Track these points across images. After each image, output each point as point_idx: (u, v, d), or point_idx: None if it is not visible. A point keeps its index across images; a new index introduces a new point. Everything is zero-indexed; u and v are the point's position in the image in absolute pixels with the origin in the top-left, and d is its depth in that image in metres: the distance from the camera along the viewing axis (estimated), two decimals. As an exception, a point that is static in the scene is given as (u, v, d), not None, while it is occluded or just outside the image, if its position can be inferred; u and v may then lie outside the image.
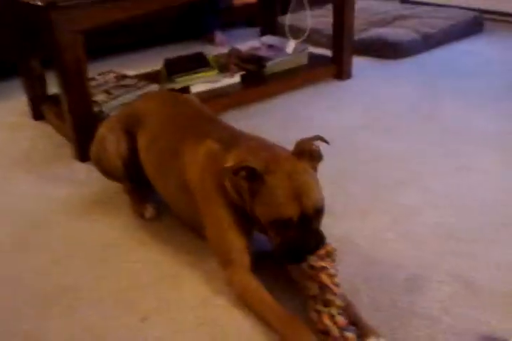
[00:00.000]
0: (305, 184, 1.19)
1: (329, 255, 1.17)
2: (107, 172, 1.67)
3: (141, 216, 1.63)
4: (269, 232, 1.24)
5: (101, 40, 2.95)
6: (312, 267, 1.15)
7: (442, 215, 1.56)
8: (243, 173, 1.19)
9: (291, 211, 1.16)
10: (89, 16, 1.88)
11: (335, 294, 1.11)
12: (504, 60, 2.89)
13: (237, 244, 1.29)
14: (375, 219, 1.56)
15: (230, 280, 1.29)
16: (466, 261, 1.36)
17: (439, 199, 1.64)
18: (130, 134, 1.61)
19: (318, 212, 1.20)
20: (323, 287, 1.11)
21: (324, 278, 1.12)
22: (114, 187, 1.77)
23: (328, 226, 1.49)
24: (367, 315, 1.16)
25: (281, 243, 1.20)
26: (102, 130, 1.65)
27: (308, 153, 1.24)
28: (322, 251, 1.17)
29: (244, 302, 1.24)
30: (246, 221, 1.29)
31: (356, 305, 1.18)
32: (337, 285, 1.13)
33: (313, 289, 1.13)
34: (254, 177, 1.19)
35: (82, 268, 1.44)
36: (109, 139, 1.61)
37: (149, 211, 1.62)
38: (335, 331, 1.06)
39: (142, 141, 1.58)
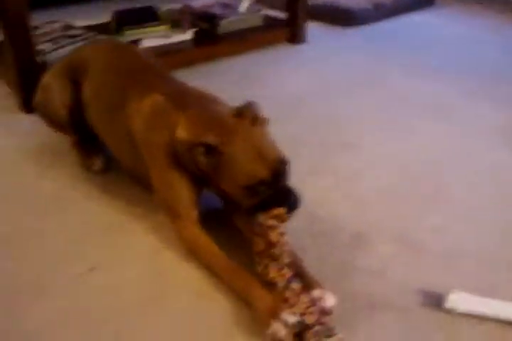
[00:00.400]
0: (265, 144, 1.20)
1: (279, 216, 1.18)
2: (52, 123, 1.62)
3: (88, 169, 1.60)
4: (240, 200, 1.23)
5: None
6: (261, 225, 1.16)
7: (386, 177, 1.61)
8: (201, 149, 1.18)
9: (260, 173, 1.16)
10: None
11: (283, 251, 1.13)
12: (454, 33, 2.96)
13: (184, 198, 1.28)
14: (321, 180, 1.60)
15: (179, 233, 1.29)
16: (407, 222, 1.41)
17: (383, 162, 1.69)
18: (75, 83, 1.55)
19: (285, 166, 1.21)
20: (271, 243, 1.13)
21: (273, 235, 1.14)
22: (61, 139, 1.72)
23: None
24: (312, 270, 1.19)
25: (258, 203, 1.20)
26: (47, 78, 1.59)
27: (254, 117, 1.23)
28: (273, 212, 1.17)
29: (193, 255, 1.26)
30: (195, 180, 1.28)
31: (302, 259, 1.22)
32: (285, 243, 1.15)
33: (261, 245, 1.15)
34: (211, 151, 1.18)
35: (26, 220, 1.40)
36: (54, 87, 1.55)
37: (97, 163, 1.59)
38: (281, 282, 1.09)
39: (86, 91, 1.52)
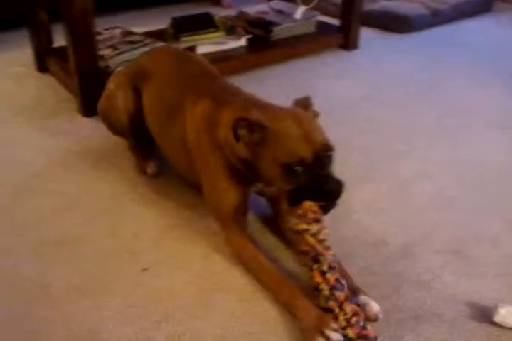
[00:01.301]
0: (313, 127, 1.19)
1: (311, 210, 1.14)
2: (113, 128, 1.69)
3: (143, 172, 1.65)
4: (278, 183, 1.19)
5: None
6: (293, 230, 1.16)
7: (439, 186, 1.60)
8: (243, 125, 1.18)
9: (302, 151, 1.13)
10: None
11: (321, 254, 1.11)
12: (510, 39, 2.89)
13: (232, 204, 1.30)
14: (372, 188, 1.60)
15: (227, 242, 1.32)
16: (459, 232, 1.40)
17: (436, 171, 1.68)
18: (136, 90, 1.61)
19: (330, 152, 1.17)
20: (310, 246, 1.13)
21: (309, 239, 1.13)
22: (117, 143, 1.79)
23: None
24: (361, 279, 1.20)
25: (295, 188, 1.15)
26: (111, 85, 1.66)
27: (305, 107, 1.26)
28: (299, 211, 1.15)
29: (241, 263, 1.28)
30: (242, 182, 1.30)
31: (350, 268, 1.23)
32: (321, 241, 1.13)
33: (303, 245, 1.14)
34: (256, 127, 1.17)
35: (82, 220, 1.47)
36: (117, 95, 1.62)
37: (151, 167, 1.65)
38: (325, 289, 1.08)
39: (147, 97, 1.58)
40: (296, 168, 1.14)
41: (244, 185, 1.31)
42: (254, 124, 1.17)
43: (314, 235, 1.13)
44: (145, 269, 1.28)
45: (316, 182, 1.14)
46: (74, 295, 1.21)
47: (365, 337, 1.02)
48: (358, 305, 1.09)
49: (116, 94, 1.62)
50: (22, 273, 1.28)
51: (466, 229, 1.41)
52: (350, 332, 1.02)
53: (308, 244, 1.13)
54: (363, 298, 1.11)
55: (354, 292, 1.13)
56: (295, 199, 1.16)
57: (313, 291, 1.11)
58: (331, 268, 1.11)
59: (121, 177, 1.65)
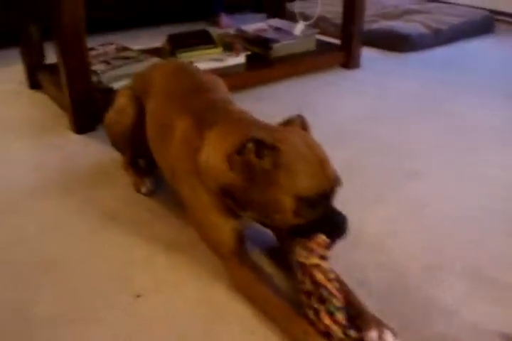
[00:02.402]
0: (325, 155, 1.06)
1: (320, 246, 1.04)
2: (116, 142, 1.59)
3: (138, 190, 1.54)
4: (285, 215, 1.04)
5: (104, 14, 2.87)
6: (302, 264, 1.04)
7: (455, 206, 1.49)
8: (250, 146, 1.00)
9: (323, 183, 1.01)
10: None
11: (331, 293, 1.00)
12: (512, 60, 2.85)
13: (229, 239, 1.16)
14: (386, 209, 1.49)
15: (228, 274, 1.19)
16: (484, 255, 1.29)
17: (451, 190, 1.58)
18: (140, 103, 1.51)
19: (340, 184, 1.07)
20: (318, 284, 1.01)
21: (318, 275, 1.01)
22: (112, 160, 1.69)
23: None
24: (377, 306, 1.09)
25: (307, 223, 1.04)
26: (121, 100, 1.55)
27: (300, 124, 1.14)
28: (312, 243, 1.03)
29: (244, 296, 1.14)
30: (231, 211, 1.15)
31: (364, 295, 1.11)
32: (332, 280, 1.01)
33: (307, 284, 1.02)
34: (268, 151, 1.00)
35: (73, 241, 1.35)
36: (126, 110, 1.51)
37: (146, 185, 1.54)
38: (337, 331, 0.96)
39: (147, 113, 1.48)
40: (314, 201, 1.02)
41: (234, 214, 1.16)
42: (266, 147, 1.00)
43: (325, 272, 1.02)
44: (138, 296, 1.16)
45: (329, 216, 1.05)
46: (57, 323, 1.09)
47: None
48: None
49: (126, 108, 1.52)
50: (8, 299, 1.15)
51: (488, 251, 1.30)
52: None
53: (316, 281, 1.01)
54: (374, 334, 0.98)
55: (368, 324, 1.00)
56: (304, 233, 1.05)
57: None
58: (339, 307, 0.99)
59: (113, 196, 1.54)
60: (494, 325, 1.08)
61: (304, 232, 1.05)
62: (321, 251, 1.03)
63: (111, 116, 1.57)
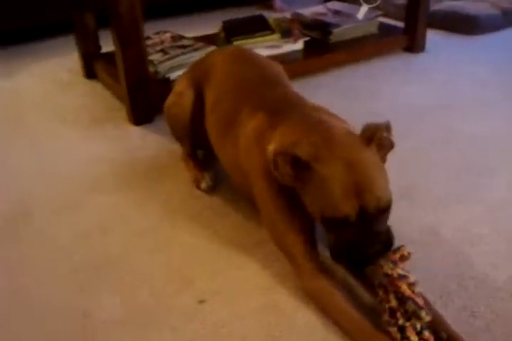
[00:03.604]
0: (368, 177, 0.96)
1: (403, 259, 0.99)
2: (175, 127, 1.53)
3: (198, 186, 1.49)
4: (323, 228, 1.04)
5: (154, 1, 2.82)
6: (388, 275, 0.96)
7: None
8: (286, 159, 1.00)
9: (347, 209, 0.95)
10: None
11: (419, 306, 0.92)
12: None
13: (297, 241, 1.10)
14: (465, 210, 1.37)
15: (301, 284, 1.12)
16: None
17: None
18: (199, 94, 1.46)
19: (383, 211, 0.98)
20: (404, 298, 0.93)
21: (404, 288, 0.94)
22: (171, 153, 1.65)
23: (408, 215, 1.35)
24: (459, 322, 1.00)
25: (335, 243, 1.02)
26: (181, 83, 1.51)
27: (377, 139, 1.01)
28: (396, 255, 0.98)
29: (315, 304, 1.08)
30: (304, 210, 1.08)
31: (445, 310, 1.03)
32: (419, 295, 0.94)
33: (392, 300, 0.95)
34: (300, 164, 0.99)
35: (133, 239, 1.32)
36: (186, 93, 1.47)
37: (206, 181, 1.49)
38: None
39: (208, 101, 1.42)
40: (341, 222, 0.97)
41: (305, 215, 1.09)
42: (300, 162, 0.99)
43: (412, 285, 0.94)
44: (202, 301, 1.11)
45: (361, 243, 0.98)
46: (116, 328, 1.06)
47: None
48: None
49: (185, 90, 1.48)
50: (56, 302, 1.13)
51: None
52: None
53: (402, 293, 0.93)
54: None
55: None
56: (337, 252, 1.01)
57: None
58: (428, 324, 0.92)
59: (173, 191, 1.49)
60: None
61: (338, 255, 1.02)
62: (404, 264, 0.96)
63: (169, 98, 1.53)
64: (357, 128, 1.07)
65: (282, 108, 1.19)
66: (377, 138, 1.01)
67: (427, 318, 0.91)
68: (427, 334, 0.90)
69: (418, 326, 0.91)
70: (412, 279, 0.95)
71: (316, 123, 1.09)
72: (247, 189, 1.26)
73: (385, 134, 1.02)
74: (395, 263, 0.96)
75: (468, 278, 1.14)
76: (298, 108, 1.19)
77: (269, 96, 1.26)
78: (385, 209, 0.98)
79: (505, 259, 1.19)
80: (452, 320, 1.00)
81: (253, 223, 1.33)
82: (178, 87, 1.51)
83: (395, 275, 0.95)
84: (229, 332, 1.04)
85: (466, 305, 1.07)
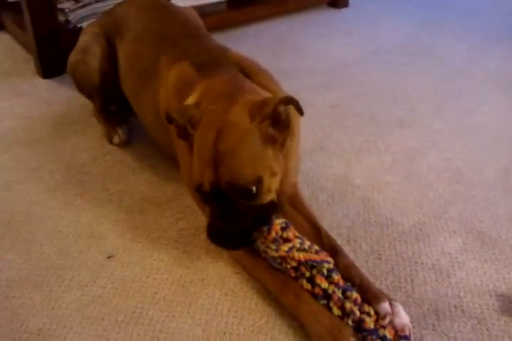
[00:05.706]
0: (230, 152, 0.91)
1: (283, 231, 0.96)
2: (82, 86, 1.44)
3: (110, 141, 1.43)
4: None
5: None
6: (275, 257, 0.95)
7: (447, 157, 1.41)
8: (169, 118, 1.01)
9: (200, 176, 0.93)
10: None
11: (320, 261, 0.93)
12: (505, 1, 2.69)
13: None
14: (375, 159, 1.40)
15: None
16: (478, 209, 1.22)
17: (443, 140, 1.49)
18: (111, 45, 1.37)
19: (238, 191, 0.92)
20: (302, 262, 0.93)
21: (298, 255, 0.93)
22: (81, 107, 1.57)
23: (322, 164, 1.36)
24: (366, 266, 1.03)
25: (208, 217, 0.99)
26: (86, 37, 1.41)
27: (264, 115, 0.93)
28: (272, 234, 0.94)
29: (239, 265, 1.05)
30: None
31: (353, 253, 1.05)
32: (318, 252, 0.94)
33: (291, 263, 0.94)
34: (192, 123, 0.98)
35: (39, 196, 1.25)
36: (92, 49, 1.38)
37: (119, 135, 1.43)
38: (335, 291, 0.90)
39: (121, 55, 1.35)
40: (200, 193, 0.95)
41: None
42: (191, 120, 0.97)
43: (303, 250, 0.94)
44: (110, 257, 1.07)
45: (216, 220, 0.94)
46: (22, 286, 1.01)
47: (406, 337, 0.86)
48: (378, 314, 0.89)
49: (91, 47, 1.38)
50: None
51: (480, 206, 1.23)
52: (387, 333, 0.85)
53: (300, 260, 0.93)
54: (385, 306, 0.90)
55: (376, 298, 0.92)
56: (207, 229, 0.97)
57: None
58: (332, 270, 0.93)
59: (83, 147, 1.43)
60: (491, 285, 1.02)
61: (207, 231, 0.97)
62: (284, 234, 0.95)
63: (73, 55, 1.42)
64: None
65: (209, 62, 1.15)
66: (265, 114, 0.93)
67: (330, 266, 0.93)
68: (335, 276, 0.92)
69: (325, 270, 0.92)
70: (297, 243, 0.94)
71: (234, 91, 1.02)
72: (164, 140, 1.22)
73: (281, 109, 0.94)
74: (275, 241, 0.94)
75: (375, 223, 1.17)
76: (227, 67, 1.13)
77: (194, 48, 1.21)
78: (241, 190, 0.91)
79: (412, 206, 1.22)
80: (360, 263, 1.03)
81: (166, 178, 1.30)
82: (82, 43, 1.41)
83: (283, 253, 0.93)
84: (139, 286, 1.01)
85: (374, 248, 1.10)
